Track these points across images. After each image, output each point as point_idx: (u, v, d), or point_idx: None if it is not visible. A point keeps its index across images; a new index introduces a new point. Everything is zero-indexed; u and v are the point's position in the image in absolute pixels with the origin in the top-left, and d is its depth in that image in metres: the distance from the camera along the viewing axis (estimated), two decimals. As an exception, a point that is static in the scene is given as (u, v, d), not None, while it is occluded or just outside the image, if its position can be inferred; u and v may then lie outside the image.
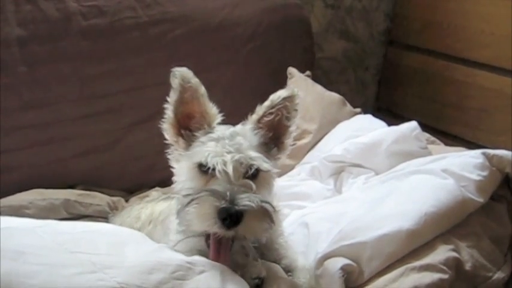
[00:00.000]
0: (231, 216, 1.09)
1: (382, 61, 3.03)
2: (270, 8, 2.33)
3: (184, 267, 1.13)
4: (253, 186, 1.17)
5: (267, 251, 1.31)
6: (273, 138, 1.30)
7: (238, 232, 1.12)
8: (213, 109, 1.27)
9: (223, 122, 1.28)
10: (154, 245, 1.26)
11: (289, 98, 1.28)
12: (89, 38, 1.96)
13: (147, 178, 2.05)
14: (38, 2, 1.90)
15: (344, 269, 1.26)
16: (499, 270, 1.44)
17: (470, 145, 2.22)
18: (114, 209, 1.84)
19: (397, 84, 2.93)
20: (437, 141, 2.08)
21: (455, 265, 1.34)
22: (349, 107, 2.25)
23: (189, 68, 1.26)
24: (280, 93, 1.28)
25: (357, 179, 1.84)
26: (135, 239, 1.27)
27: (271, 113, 1.28)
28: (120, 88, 2.01)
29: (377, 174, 1.82)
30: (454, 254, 1.36)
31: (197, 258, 1.19)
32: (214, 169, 1.16)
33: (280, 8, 2.36)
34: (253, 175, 1.19)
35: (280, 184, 1.49)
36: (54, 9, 1.92)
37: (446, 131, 2.56)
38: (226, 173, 1.15)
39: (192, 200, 1.13)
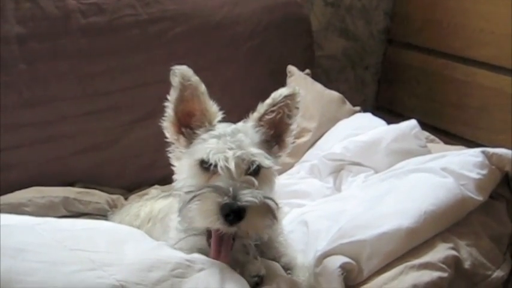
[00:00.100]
0: (233, 212, 1.09)
1: (381, 60, 3.03)
2: (269, 6, 2.33)
3: (184, 265, 1.13)
4: (256, 182, 1.16)
5: (267, 249, 1.32)
6: (274, 136, 1.30)
7: (240, 228, 1.12)
8: (213, 107, 1.27)
9: (223, 120, 1.29)
10: (153, 242, 1.26)
11: (291, 96, 1.28)
12: (88, 36, 1.95)
13: (146, 176, 2.05)
14: (37, -1, 1.90)
15: (343, 267, 1.26)
16: (498, 268, 1.45)
17: (470, 144, 2.22)
18: (114, 207, 1.84)
19: (397, 82, 2.93)
20: (437, 139, 2.08)
21: (454, 263, 1.34)
22: (348, 105, 2.25)
23: (189, 66, 1.26)
24: (282, 91, 1.28)
25: (357, 177, 1.84)
26: (134, 236, 1.27)
27: (272, 111, 1.28)
28: (120, 86, 2.00)
29: (376, 172, 1.82)
30: (454, 253, 1.36)
31: (196, 256, 1.19)
32: (216, 166, 1.16)
33: (280, 6, 2.36)
34: (255, 172, 1.19)
35: (280, 182, 1.49)
36: (54, 7, 1.91)
37: (446, 129, 2.56)
38: (228, 169, 1.15)
39: (194, 196, 1.13)
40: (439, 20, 2.62)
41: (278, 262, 1.32)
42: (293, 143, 1.34)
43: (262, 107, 1.29)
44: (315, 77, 2.37)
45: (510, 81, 2.29)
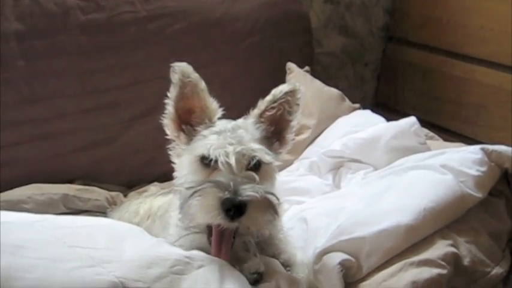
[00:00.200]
0: (234, 207, 1.08)
1: (381, 57, 3.03)
2: (269, 3, 2.32)
3: (183, 261, 1.13)
4: (257, 177, 1.16)
5: (267, 246, 1.31)
6: (275, 132, 1.30)
7: (242, 223, 1.12)
8: (213, 104, 1.27)
9: (224, 117, 1.29)
10: (152, 239, 1.26)
11: (291, 93, 1.28)
12: (87, 33, 1.95)
13: (146, 173, 2.05)
14: (36, -4, 1.89)
15: (342, 264, 1.26)
16: (497, 265, 1.45)
17: (469, 141, 2.22)
18: (113, 204, 1.83)
19: (396, 79, 2.93)
20: (436, 136, 2.08)
21: (453, 260, 1.34)
22: (348, 102, 2.25)
23: (188, 62, 1.26)
24: (282, 88, 1.28)
25: (356, 174, 1.84)
26: (133, 233, 1.27)
27: (273, 108, 1.28)
28: (119, 83, 2.00)
29: (376, 169, 1.82)
30: (453, 249, 1.36)
31: (196, 252, 1.19)
32: (216, 161, 1.16)
33: (279, 3, 2.35)
34: (256, 167, 1.19)
35: (279, 179, 1.49)
36: (53, 4, 1.91)
37: (445, 126, 2.56)
38: (229, 164, 1.15)
39: (195, 192, 1.12)
40: (439, 17, 2.62)
41: (277, 259, 1.32)
42: (293, 139, 1.34)
43: (262, 104, 1.29)
44: (314, 74, 2.37)
45: (510, 79, 2.29)
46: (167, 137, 1.30)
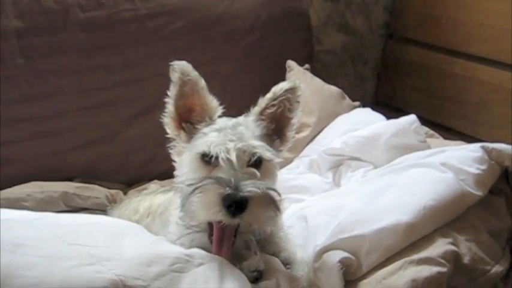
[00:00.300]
0: (236, 203, 1.08)
1: (381, 55, 3.02)
2: (269, 1, 2.32)
3: (183, 259, 1.13)
4: (258, 174, 1.16)
5: (267, 244, 1.31)
6: (275, 130, 1.31)
7: (243, 219, 1.11)
8: (213, 102, 1.28)
9: (224, 115, 1.29)
10: (152, 237, 1.26)
11: (292, 90, 1.28)
12: (87, 31, 1.95)
13: (146, 170, 2.05)
14: (36, -7, 1.89)
15: (342, 262, 1.26)
16: (497, 263, 1.44)
17: (469, 139, 2.21)
18: (113, 201, 1.84)
19: (396, 77, 2.93)
20: (436, 134, 2.08)
21: (453, 258, 1.34)
22: (348, 100, 2.25)
23: (188, 60, 1.26)
24: (283, 85, 1.28)
25: (356, 172, 1.84)
26: (133, 231, 1.27)
27: (273, 105, 1.29)
28: (119, 80, 2.00)
29: (376, 167, 1.81)
30: (453, 248, 1.36)
31: (196, 250, 1.19)
32: (217, 158, 1.16)
33: (279, 0, 2.35)
34: (256, 164, 1.19)
35: (279, 177, 1.49)
36: (52, 1, 1.91)
37: (445, 124, 2.56)
38: (229, 160, 1.15)
39: (196, 188, 1.12)
40: (439, 15, 2.62)
41: (277, 257, 1.32)
42: (293, 137, 1.34)
43: (263, 101, 1.29)
44: (314, 72, 2.37)
45: (510, 77, 2.29)
46: (167, 135, 1.30)
